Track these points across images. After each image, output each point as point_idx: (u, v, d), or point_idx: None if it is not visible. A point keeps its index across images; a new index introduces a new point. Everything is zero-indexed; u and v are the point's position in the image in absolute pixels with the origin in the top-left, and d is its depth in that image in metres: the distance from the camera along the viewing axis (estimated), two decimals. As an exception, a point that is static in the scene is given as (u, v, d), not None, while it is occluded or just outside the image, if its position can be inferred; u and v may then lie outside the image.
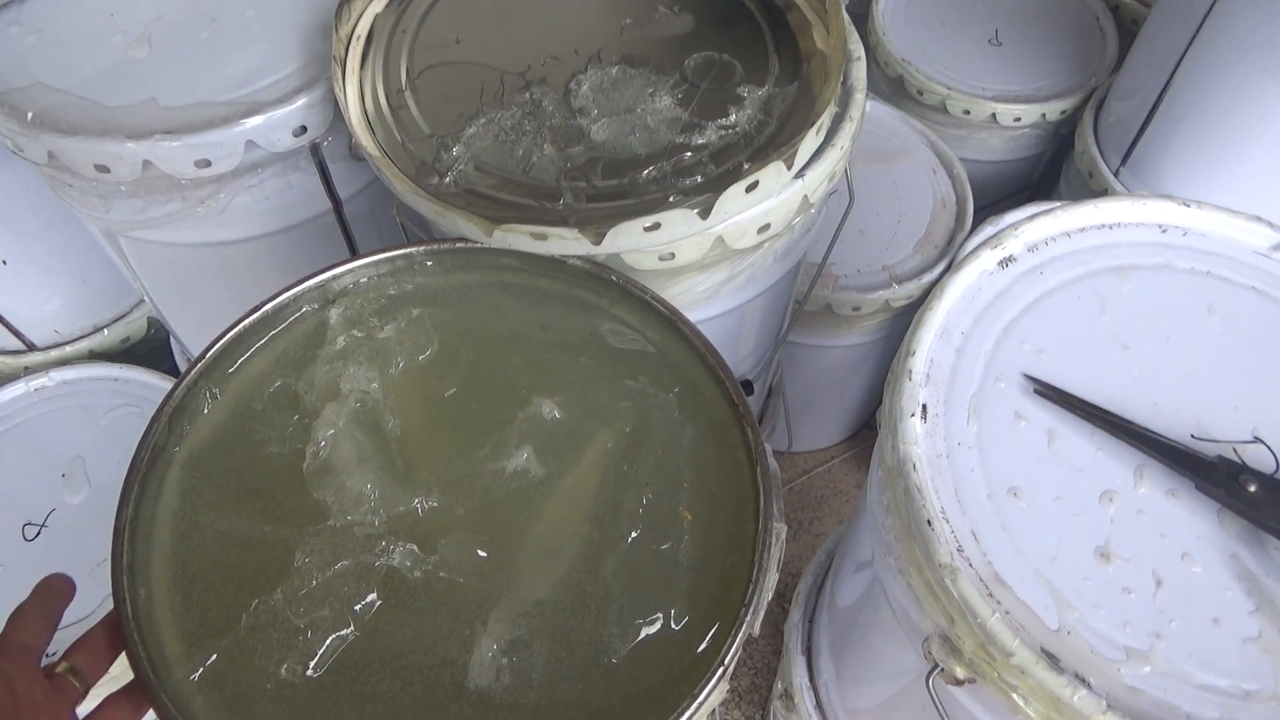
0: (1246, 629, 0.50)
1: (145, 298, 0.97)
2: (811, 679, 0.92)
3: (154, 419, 0.54)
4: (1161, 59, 1.12)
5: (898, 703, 0.72)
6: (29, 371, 1.05)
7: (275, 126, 0.69)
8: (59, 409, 1.04)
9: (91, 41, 0.73)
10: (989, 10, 1.46)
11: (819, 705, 0.90)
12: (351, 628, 0.50)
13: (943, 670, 0.55)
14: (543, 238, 0.59)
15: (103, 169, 0.68)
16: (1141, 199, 0.63)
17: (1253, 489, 0.52)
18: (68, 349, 1.11)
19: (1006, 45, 1.42)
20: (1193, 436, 0.56)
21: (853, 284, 1.11)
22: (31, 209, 0.96)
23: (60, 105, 0.69)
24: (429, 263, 0.63)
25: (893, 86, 1.41)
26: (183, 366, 1.10)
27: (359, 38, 0.71)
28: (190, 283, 0.87)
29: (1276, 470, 0.54)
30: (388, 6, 0.73)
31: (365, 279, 0.62)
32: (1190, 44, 1.07)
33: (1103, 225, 0.63)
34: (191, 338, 0.99)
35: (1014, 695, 0.50)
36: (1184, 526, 0.53)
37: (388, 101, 0.67)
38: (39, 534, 0.97)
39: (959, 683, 0.55)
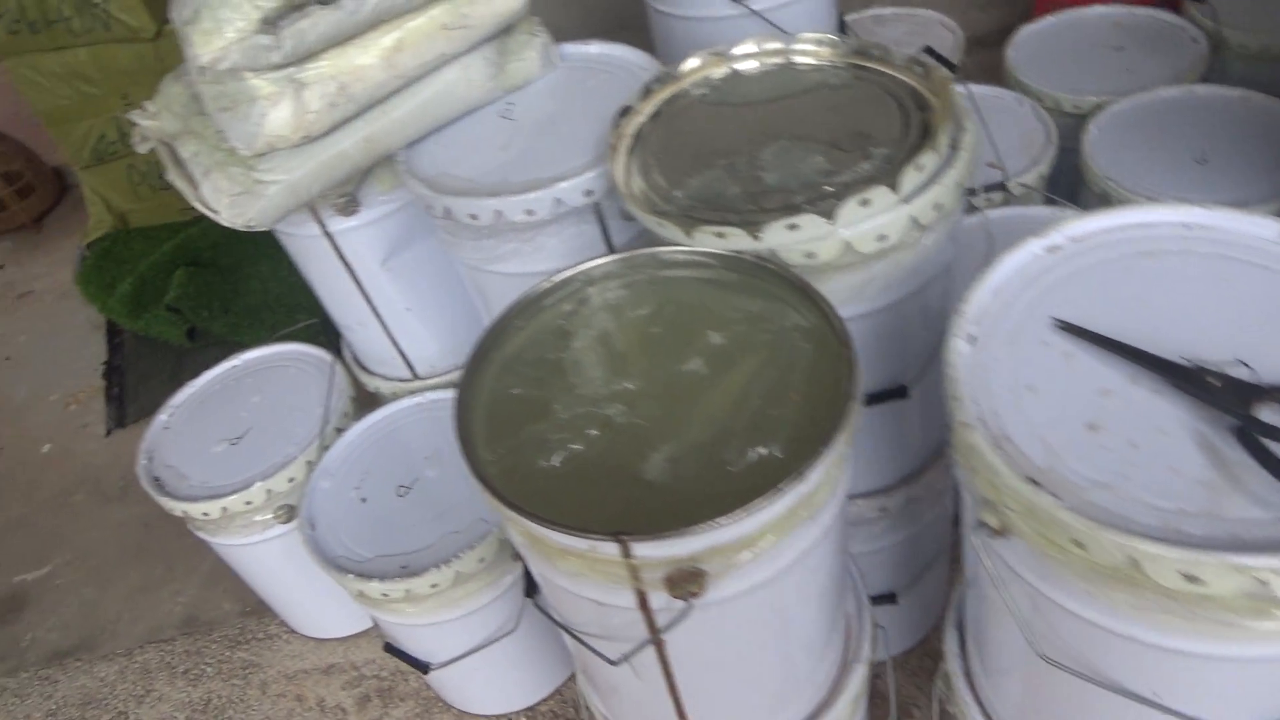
0: (1199, 476, 0.67)
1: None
2: (962, 650, 1.07)
3: (484, 333, 0.92)
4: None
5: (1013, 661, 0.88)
6: (412, 393, 1.53)
7: (573, 189, 1.10)
8: (429, 418, 1.51)
9: (474, 149, 1.21)
10: (1199, 133, 1.62)
11: (967, 674, 1.05)
12: (581, 445, 0.83)
13: (981, 525, 0.76)
14: (722, 235, 0.92)
15: (473, 217, 1.12)
16: (1171, 206, 0.83)
17: (1218, 385, 0.70)
18: (433, 380, 1.59)
19: (1213, 162, 1.56)
20: (1182, 357, 0.74)
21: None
22: (427, 274, 1.47)
23: (453, 182, 1.15)
24: (652, 258, 0.98)
25: (1100, 201, 1.60)
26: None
27: (629, 136, 1.11)
28: (501, 304, 1.28)
29: (1258, 383, 0.71)
30: (649, 119, 1.13)
31: (614, 267, 0.98)
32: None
33: (1139, 224, 0.84)
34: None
35: (1009, 513, 0.70)
36: (1162, 413, 0.71)
37: (642, 170, 1.06)
38: (407, 492, 1.40)
39: (992, 531, 0.75)
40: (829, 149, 1.01)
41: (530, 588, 0.99)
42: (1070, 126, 1.72)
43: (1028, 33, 1.96)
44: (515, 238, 1.15)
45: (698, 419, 0.83)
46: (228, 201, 1.17)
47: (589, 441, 0.83)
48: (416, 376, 1.60)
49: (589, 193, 1.11)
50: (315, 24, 1.05)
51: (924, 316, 1.08)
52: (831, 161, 0.99)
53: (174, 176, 1.23)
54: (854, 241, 0.93)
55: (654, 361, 0.89)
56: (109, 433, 2.35)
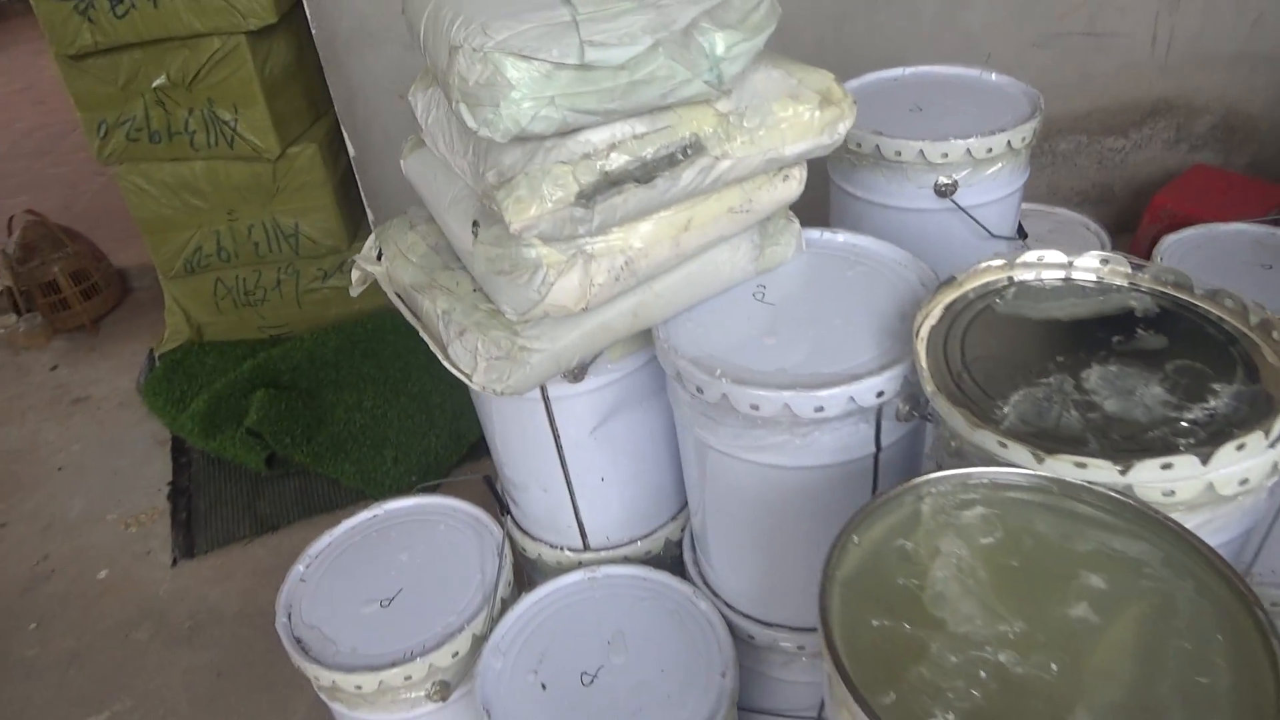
0: None
1: (694, 503, 1.34)
2: None
3: (830, 551, 0.85)
4: None
5: None
6: (583, 565, 1.43)
7: (867, 389, 1.05)
8: (604, 595, 1.41)
9: (736, 332, 1.17)
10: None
11: None
12: (978, 694, 0.74)
13: None
14: (1083, 466, 0.87)
15: (755, 407, 1.06)
16: None
17: None
18: (605, 553, 1.49)
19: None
20: None
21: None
22: (626, 443, 1.39)
23: (728, 368, 1.10)
24: (987, 480, 0.92)
25: None
26: (693, 576, 1.43)
27: (921, 338, 1.07)
28: (742, 492, 1.21)
29: None
30: (939, 321, 1.10)
31: (945, 486, 0.92)
32: None
33: None
34: (717, 537, 1.33)
35: None
36: None
37: (955, 380, 1.01)
38: (593, 681, 1.29)
39: None
40: (1160, 378, 0.97)
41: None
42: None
43: (1171, 242, 2.00)
44: (788, 431, 1.09)
45: (1109, 677, 0.75)
46: (484, 366, 1.11)
47: (989, 694, 0.75)
48: (588, 547, 1.50)
49: (880, 394, 1.07)
50: (626, 201, 1.02)
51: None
52: (1173, 393, 0.95)
53: (423, 333, 1.17)
54: (1217, 484, 0.88)
55: (1030, 601, 0.82)
56: (175, 562, 2.19)
